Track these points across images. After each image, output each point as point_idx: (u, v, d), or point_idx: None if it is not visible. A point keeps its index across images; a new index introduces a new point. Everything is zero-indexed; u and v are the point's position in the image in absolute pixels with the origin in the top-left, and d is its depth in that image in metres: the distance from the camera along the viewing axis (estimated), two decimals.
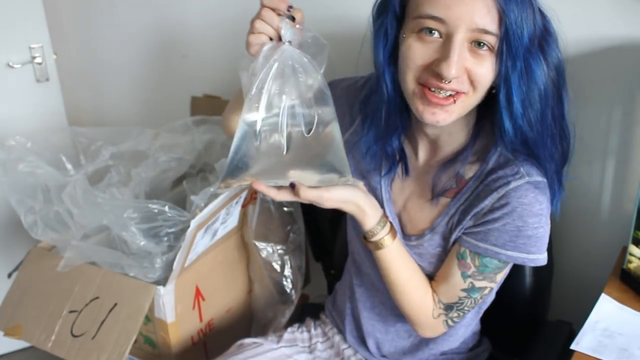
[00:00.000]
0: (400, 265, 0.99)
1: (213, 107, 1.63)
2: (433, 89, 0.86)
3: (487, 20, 0.81)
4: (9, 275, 1.41)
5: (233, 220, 1.35)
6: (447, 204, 0.98)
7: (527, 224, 0.91)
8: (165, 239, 1.21)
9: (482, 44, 0.84)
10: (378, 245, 0.97)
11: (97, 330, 1.22)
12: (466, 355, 1.15)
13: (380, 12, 0.93)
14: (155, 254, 1.20)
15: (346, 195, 0.92)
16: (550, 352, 1.13)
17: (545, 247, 0.95)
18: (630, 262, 1.11)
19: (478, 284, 0.97)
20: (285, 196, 0.90)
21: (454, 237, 0.98)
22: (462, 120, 0.94)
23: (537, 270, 1.18)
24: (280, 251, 1.39)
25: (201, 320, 1.37)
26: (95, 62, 2.03)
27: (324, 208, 0.92)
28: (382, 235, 0.97)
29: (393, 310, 1.10)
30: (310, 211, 1.45)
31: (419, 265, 1.02)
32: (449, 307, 1.01)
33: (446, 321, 1.02)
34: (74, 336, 1.24)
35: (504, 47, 0.83)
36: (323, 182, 0.90)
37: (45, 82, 1.81)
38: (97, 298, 1.26)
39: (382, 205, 1.02)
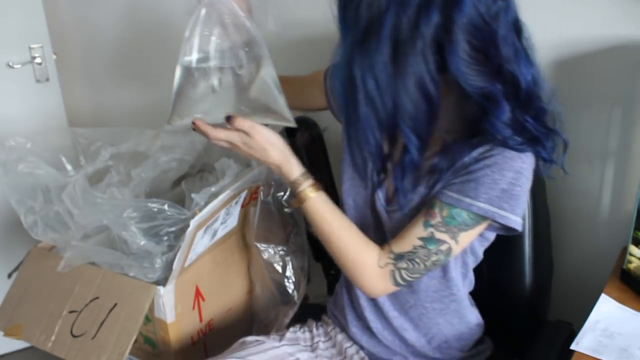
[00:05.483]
0: (330, 215, 1.03)
1: None
2: None
3: None
4: (9, 275, 1.41)
5: (233, 221, 1.35)
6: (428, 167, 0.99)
7: (504, 177, 0.92)
8: (166, 238, 1.21)
9: None
10: (303, 197, 1.02)
11: (97, 330, 1.22)
12: (469, 352, 1.15)
13: None
14: (155, 254, 1.20)
15: (276, 138, 1.02)
16: (551, 352, 1.13)
17: (519, 211, 0.95)
18: (630, 262, 1.11)
19: (438, 235, 0.96)
20: (220, 133, 1.00)
21: (432, 193, 0.98)
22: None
23: (537, 270, 1.18)
24: (281, 252, 1.39)
25: (201, 320, 1.37)
26: (95, 62, 2.03)
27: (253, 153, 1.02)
28: (306, 185, 1.02)
29: (393, 306, 1.11)
30: None
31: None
32: (399, 257, 1.00)
33: (394, 272, 1.01)
34: (74, 336, 1.24)
35: None
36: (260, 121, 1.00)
37: (45, 82, 1.81)
38: (97, 298, 1.26)
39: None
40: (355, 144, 0.96)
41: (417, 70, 0.86)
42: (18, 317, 1.33)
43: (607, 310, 1.07)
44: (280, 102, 0.99)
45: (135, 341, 1.21)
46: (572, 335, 1.03)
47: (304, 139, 1.44)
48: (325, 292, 1.53)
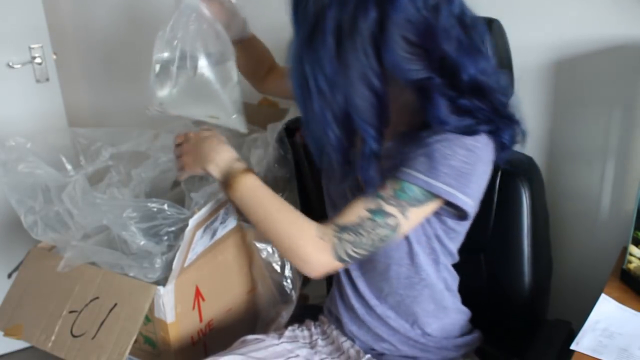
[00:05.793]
0: (267, 197, 1.03)
1: None
2: None
3: None
4: (9, 275, 1.41)
5: (232, 220, 1.35)
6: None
7: (456, 153, 0.91)
8: (165, 237, 1.21)
9: None
10: (241, 180, 1.04)
11: (97, 330, 1.22)
12: (455, 340, 1.15)
13: None
14: (155, 254, 1.20)
15: (220, 136, 1.11)
16: (550, 351, 1.13)
17: (469, 191, 0.94)
18: (630, 262, 1.11)
19: (387, 208, 0.95)
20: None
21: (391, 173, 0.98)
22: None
23: (536, 270, 1.18)
24: None
25: (201, 320, 1.37)
26: (95, 62, 2.03)
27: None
28: (243, 168, 1.05)
29: (372, 294, 1.13)
30: (308, 212, 1.45)
31: None
32: (343, 228, 0.97)
33: (336, 246, 0.97)
34: (74, 336, 1.24)
35: None
36: (212, 118, 1.17)
37: (45, 82, 1.81)
38: (97, 298, 1.26)
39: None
40: (316, 139, 0.97)
41: (360, 65, 0.88)
42: (18, 317, 1.33)
43: (607, 310, 1.07)
44: (236, 105, 1.14)
45: (135, 341, 1.21)
46: (571, 334, 1.03)
47: (304, 139, 1.44)
48: (325, 292, 1.53)
